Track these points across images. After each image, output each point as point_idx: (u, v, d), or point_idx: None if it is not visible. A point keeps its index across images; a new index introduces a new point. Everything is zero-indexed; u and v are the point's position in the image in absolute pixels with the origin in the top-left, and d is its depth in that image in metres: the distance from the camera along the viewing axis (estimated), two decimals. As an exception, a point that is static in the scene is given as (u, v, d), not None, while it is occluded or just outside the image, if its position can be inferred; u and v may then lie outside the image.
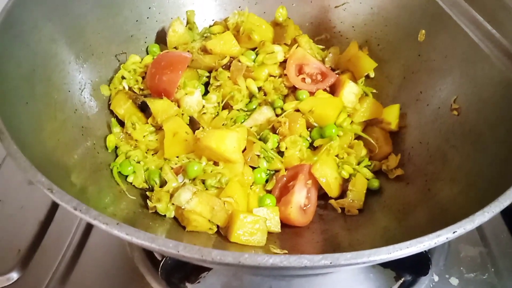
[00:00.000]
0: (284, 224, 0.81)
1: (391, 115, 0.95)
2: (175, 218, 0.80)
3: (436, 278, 0.84)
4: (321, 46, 1.11)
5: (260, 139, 0.90)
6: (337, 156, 0.90)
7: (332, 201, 0.86)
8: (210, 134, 0.82)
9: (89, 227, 0.92)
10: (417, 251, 0.50)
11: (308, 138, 0.92)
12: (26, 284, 0.85)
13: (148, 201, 0.80)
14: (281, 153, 0.89)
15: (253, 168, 0.87)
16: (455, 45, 0.88)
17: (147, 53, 1.04)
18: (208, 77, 1.00)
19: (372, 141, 0.92)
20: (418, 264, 0.79)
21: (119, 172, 0.84)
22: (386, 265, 0.82)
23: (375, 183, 0.88)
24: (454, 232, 0.51)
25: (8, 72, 0.69)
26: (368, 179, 0.88)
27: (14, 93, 0.68)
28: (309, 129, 0.93)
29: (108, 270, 0.86)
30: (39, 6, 0.79)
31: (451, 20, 0.86)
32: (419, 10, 0.97)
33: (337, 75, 1.02)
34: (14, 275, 0.86)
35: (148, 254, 0.85)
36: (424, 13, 0.96)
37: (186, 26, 1.08)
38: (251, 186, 0.86)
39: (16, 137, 0.58)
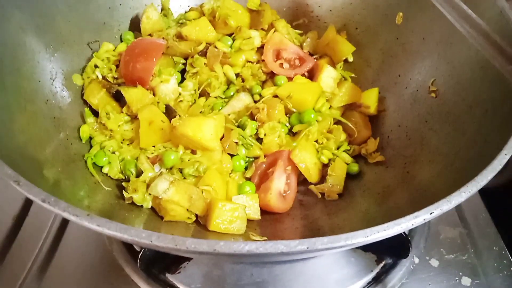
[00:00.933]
0: (264, 211, 0.81)
1: (370, 99, 0.94)
2: (152, 208, 0.78)
3: (416, 260, 0.84)
4: (299, 31, 1.09)
5: (238, 126, 0.88)
6: (316, 141, 0.89)
7: (312, 187, 0.86)
8: (186, 122, 0.80)
9: (65, 221, 0.90)
10: (394, 233, 0.49)
11: (287, 124, 0.91)
12: (2, 280, 0.83)
13: (124, 192, 0.78)
14: (260, 140, 0.88)
15: (232, 155, 0.86)
16: (432, 27, 0.87)
17: (121, 41, 1.01)
18: (184, 64, 0.98)
19: (351, 125, 0.92)
20: (399, 247, 0.79)
21: (94, 163, 0.81)
22: (367, 248, 0.82)
23: (355, 168, 0.88)
24: (431, 213, 0.50)
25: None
26: (347, 164, 0.88)
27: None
28: (288, 114, 0.92)
29: (86, 263, 0.84)
30: (6, -7, 0.76)
31: (428, 2, 0.85)
32: (397, -8, 0.96)
33: (315, 60, 1.01)
34: (-11, 272, 0.83)
35: (127, 245, 0.84)
36: (401, -5, 0.95)
37: (160, 12, 1.06)
38: (230, 173, 0.85)
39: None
